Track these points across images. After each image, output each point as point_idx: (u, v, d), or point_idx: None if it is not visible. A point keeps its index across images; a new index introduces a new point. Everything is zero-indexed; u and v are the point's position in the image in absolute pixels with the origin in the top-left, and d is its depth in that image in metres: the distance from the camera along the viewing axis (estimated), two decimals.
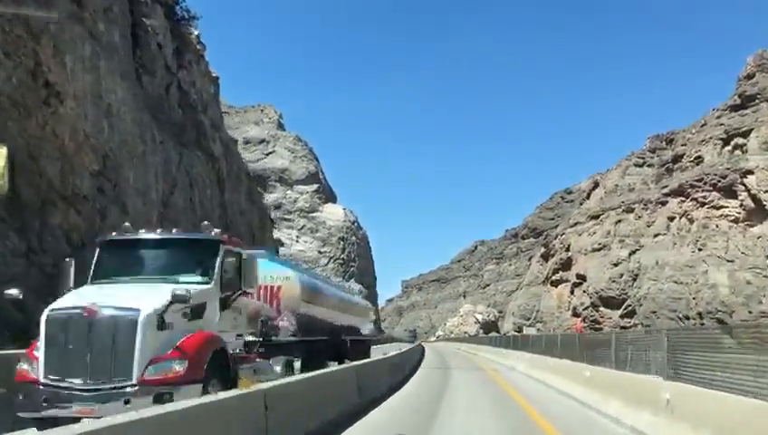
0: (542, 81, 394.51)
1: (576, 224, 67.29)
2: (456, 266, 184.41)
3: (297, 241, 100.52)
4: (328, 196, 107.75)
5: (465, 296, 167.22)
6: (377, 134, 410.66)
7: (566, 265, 66.23)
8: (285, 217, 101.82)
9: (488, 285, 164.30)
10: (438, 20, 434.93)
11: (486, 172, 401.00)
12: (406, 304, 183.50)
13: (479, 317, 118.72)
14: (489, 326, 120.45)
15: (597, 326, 58.18)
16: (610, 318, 57.46)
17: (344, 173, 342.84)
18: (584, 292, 60.32)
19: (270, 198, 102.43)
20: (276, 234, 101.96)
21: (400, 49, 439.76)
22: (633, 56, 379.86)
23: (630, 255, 57.72)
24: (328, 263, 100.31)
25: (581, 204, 74.23)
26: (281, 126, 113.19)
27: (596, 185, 71.97)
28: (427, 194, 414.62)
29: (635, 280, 56.67)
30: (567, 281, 65.76)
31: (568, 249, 65.58)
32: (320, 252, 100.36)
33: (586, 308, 59.31)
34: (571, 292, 62.78)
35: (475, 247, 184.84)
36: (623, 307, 56.93)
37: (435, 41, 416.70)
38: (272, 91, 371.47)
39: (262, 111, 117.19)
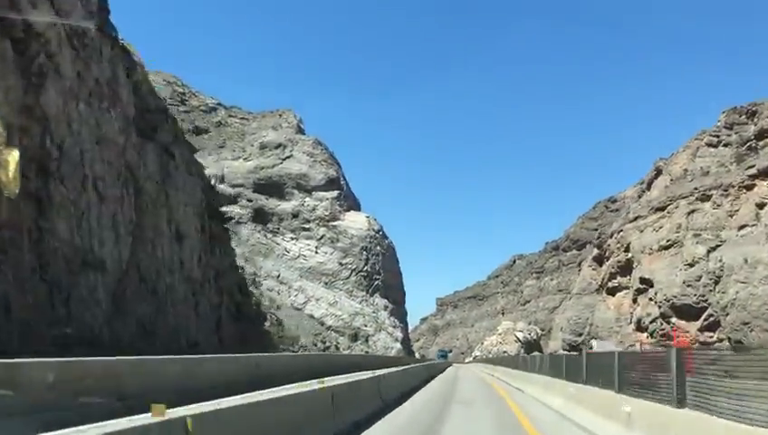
0: (581, 79, 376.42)
1: (636, 218, 54.45)
2: (493, 283, 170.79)
3: (317, 252, 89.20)
4: (350, 203, 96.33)
5: (503, 314, 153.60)
6: (409, 146, 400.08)
7: (625, 268, 53.66)
8: (303, 226, 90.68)
9: (528, 302, 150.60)
10: (472, 20, 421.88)
11: (524, 183, 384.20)
12: (441, 322, 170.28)
13: (520, 335, 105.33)
14: (531, 345, 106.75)
15: (668, 344, 45.32)
16: (687, 332, 44.47)
17: (374, 189, 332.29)
18: (651, 300, 47.58)
19: (287, 206, 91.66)
20: (294, 245, 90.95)
21: (430, 53, 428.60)
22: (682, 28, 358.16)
23: (709, 252, 44.75)
24: (350, 276, 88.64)
25: (639, 196, 61.20)
26: (300, 130, 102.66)
27: (659, 172, 58.83)
28: (462, 207, 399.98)
29: (717, 283, 43.61)
30: (627, 288, 53.12)
31: (627, 249, 52.95)
32: (341, 264, 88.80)
33: (654, 320, 46.54)
34: (634, 300, 50.12)
35: (514, 262, 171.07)
36: (703, 318, 43.97)
37: (466, 43, 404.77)
38: (294, 96, 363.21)
39: (280, 115, 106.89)
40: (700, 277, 44.26)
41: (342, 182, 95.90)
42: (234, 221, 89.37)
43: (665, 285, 46.16)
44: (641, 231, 51.68)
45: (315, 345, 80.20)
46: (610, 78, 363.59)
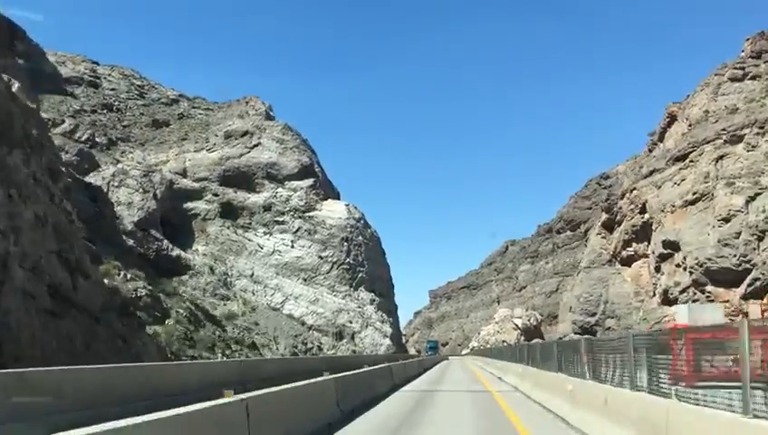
0: (563, 55, 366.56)
1: (652, 173, 45.37)
2: (486, 271, 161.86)
3: (293, 246, 79.74)
4: (327, 191, 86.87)
5: (498, 302, 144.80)
6: (394, 136, 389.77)
7: (642, 232, 44.77)
8: (277, 219, 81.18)
9: (524, 287, 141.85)
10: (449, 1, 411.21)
11: (513, 167, 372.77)
12: (435, 315, 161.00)
13: (518, 322, 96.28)
14: (531, 332, 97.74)
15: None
16: (726, 301, 35.58)
17: (360, 183, 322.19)
18: (679, 266, 38.64)
19: (257, 198, 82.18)
20: (268, 240, 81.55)
21: (411, 35, 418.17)
22: None
23: (748, 202, 35.88)
24: (331, 269, 79.22)
25: (650, 151, 52.00)
26: (269, 117, 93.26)
27: (672, 119, 49.32)
28: (450, 197, 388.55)
29: (761, 239, 34.76)
30: (645, 255, 44.33)
31: (643, 210, 44.08)
32: (320, 257, 79.36)
33: (685, 290, 37.67)
34: (657, 269, 41.17)
35: (506, 248, 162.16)
36: (747, 283, 35.12)
37: (447, 19, 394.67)
38: (263, 85, 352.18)
39: (247, 102, 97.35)
40: (739, 234, 35.36)
41: (317, 169, 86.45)
42: (200, 218, 79.94)
43: (695, 246, 37.20)
44: (659, 187, 42.69)
45: (296, 347, 70.98)
46: (596, 59, 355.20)
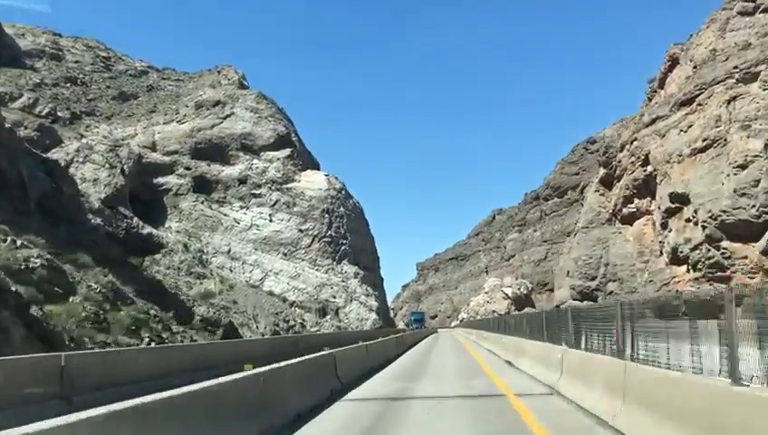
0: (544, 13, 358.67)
1: (654, 121, 40.68)
2: (473, 241, 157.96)
3: (271, 220, 75.02)
4: (306, 162, 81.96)
5: (487, 272, 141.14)
6: (375, 111, 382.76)
7: (645, 187, 40.42)
8: (254, 192, 76.29)
9: (512, 256, 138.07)
10: None
11: (499, 136, 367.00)
12: (423, 287, 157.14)
13: (508, 292, 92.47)
14: (522, 301, 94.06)
15: (722, 276, 32.12)
16: (744, 257, 31.52)
17: (343, 156, 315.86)
18: (689, 221, 34.44)
19: (232, 171, 77.16)
20: (245, 214, 76.76)
21: (397, 10, 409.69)
22: None
23: (767, 146, 31.66)
24: (312, 243, 74.66)
25: (650, 99, 47.38)
26: (243, 87, 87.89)
27: (674, 62, 44.37)
28: (434, 169, 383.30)
29: None
30: (649, 212, 40.08)
31: (646, 162, 39.70)
32: (300, 230, 74.74)
33: (697, 247, 33.48)
34: (663, 225, 36.88)
35: (494, 217, 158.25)
36: (767, 237, 30.97)
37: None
38: (238, 56, 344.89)
39: (219, 72, 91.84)
40: (758, 181, 31.12)
41: (294, 139, 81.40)
42: (172, 193, 74.90)
43: (707, 198, 32.92)
44: (662, 136, 38.19)
45: (277, 326, 66.69)
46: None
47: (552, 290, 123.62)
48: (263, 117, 79.86)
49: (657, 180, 38.17)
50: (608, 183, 49.80)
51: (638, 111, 44.24)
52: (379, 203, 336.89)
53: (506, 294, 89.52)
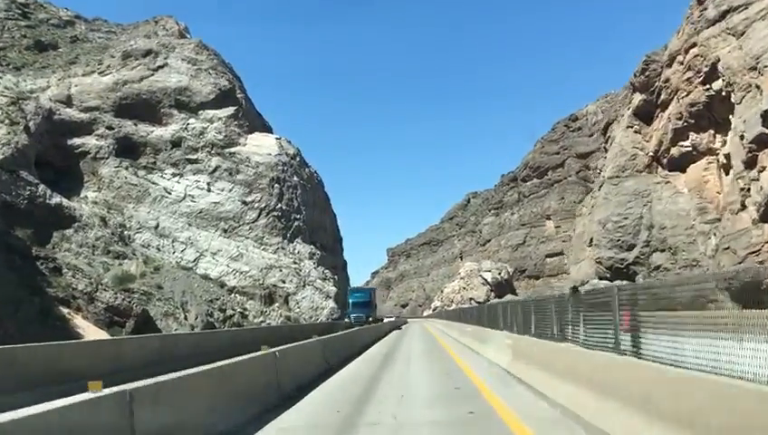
0: None
1: (726, 14, 27.67)
2: (447, 226, 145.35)
3: (209, 190, 61.31)
4: (254, 123, 68.13)
5: (462, 258, 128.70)
6: (346, 89, 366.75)
7: (708, 113, 27.84)
8: (189, 157, 62.43)
9: (489, 241, 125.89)
10: None
11: (471, 117, 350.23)
12: (394, 275, 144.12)
13: (487, 277, 79.93)
14: (503, 287, 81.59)
15: None
16: None
17: (312, 142, 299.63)
18: None
19: (164, 132, 63.16)
20: (178, 183, 62.93)
21: None
22: None
23: None
24: (258, 218, 61.10)
25: (701, 1, 34.14)
26: (182, 38, 73.65)
27: None
28: (405, 152, 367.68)
29: None
30: (712, 151, 27.64)
31: (711, 77, 27.23)
32: (244, 202, 61.12)
33: None
34: (748, 164, 24.34)
35: (468, 201, 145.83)
36: None
37: None
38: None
39: (157, 22, 77.41)
40: None
41: (240, 95, 67.49)
42: (90, 157, 60.74)
43: None
44: (742, 33, 25.42)
45: (211, 316, 53.35)
46: None
47: (534, 277, 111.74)
48: (202, 69, 65.90)
49: (735, 99, 25.42)
50: (646, 114, 36.18)
51: (688, 13, 31.00)
52: (348, 187, 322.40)
53: (485, 280, 77.00)
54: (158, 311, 50.31)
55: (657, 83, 34.10)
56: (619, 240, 32.58)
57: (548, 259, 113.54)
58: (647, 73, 35.77)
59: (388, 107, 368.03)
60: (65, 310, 38.95)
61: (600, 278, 33.38)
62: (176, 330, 49.43)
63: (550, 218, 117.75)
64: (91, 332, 36.29)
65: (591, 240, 37.19)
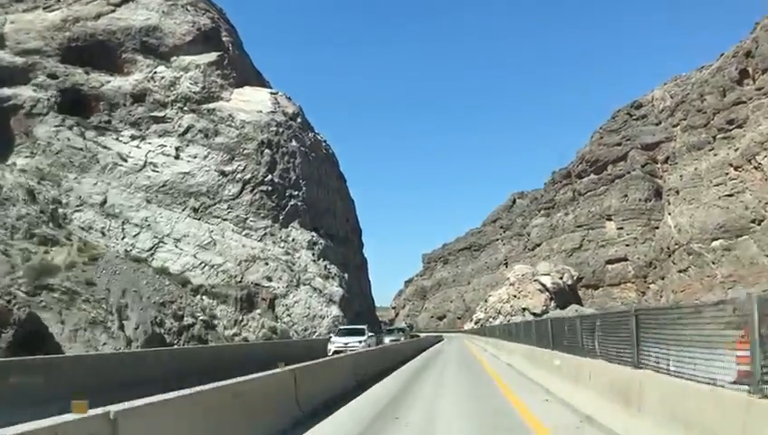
0: None
1: None
2: (489, 229, 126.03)
3: (177, 157, 44.33)
4: (243, 75, 50.94)
5: (507, 265, 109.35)
6: (385, 90, 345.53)
7: None
8: (154, 114, 45.64)
9: (538, 245, 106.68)
10: None
11: (516, 111, 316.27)
12: (430, 283, 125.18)
13: (546, 282, 60.80)
14: (566, 296, 62.28)
15: None
16: None
17: (347, 146, 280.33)
18: None
19: (123, 82, 46.62)
20: (137, 148, 46.15)
21: None
22: None
23: None
24: (240, 193, 43.70)
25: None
26: None
27: None
28: (444, 153, 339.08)
29: None
30: None
31: None
32: (222, 173, 43.82)
33: None
34: None
35: (514, 201, 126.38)
36: None
37: None
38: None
39: None
40: None
41: (227, 39, 50.47)
42: (23, 113, 44.48)
43: None
44: None
45: (161, 325, 36.36)
46: None
47: (593, 286, 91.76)
48: (178, 5, 49.22)
49: None
50: None
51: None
52: (382, 190, 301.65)
53: (543, 286, 57.86)
54: (81, 317, 32.83)
55: None
56: None
57: (609, 266, 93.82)
58: None
59: (423, 101, 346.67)
60: None
61: None
62: (103, 345, 32.31)
63: (611, 219, 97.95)
64: None
65: None
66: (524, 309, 57.63)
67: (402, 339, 38.97)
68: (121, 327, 33.26)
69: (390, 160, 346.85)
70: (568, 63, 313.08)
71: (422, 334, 60.71)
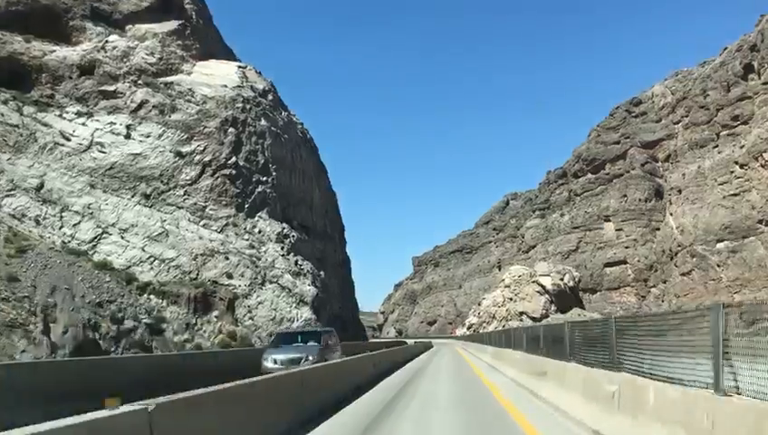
0: None
1: None
2: (482, 231, 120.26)
3: (129, 136, 38.28)
4: (208, 47, 44.96)
5: (500, 268, 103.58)
6: (372, 88, 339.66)
7: None
8: (103, 88, 39.67)
9: (533, 247, 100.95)
10: None
11: (507, 111, 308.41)
12: (420, 286, 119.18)
13: (546, 283, 54.92)
14: (566, 298, 56.38)
15: None
16: None
17: (337, 155, 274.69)
18: None
19: (69, 52, 40.61)
20: (83, 126, 40.03)
21: None
22: None
23: None
24: (200, 177, 37.69)
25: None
26: None
27: None
28: (434, 154, 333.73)
29: None
30: None
31: None
32: (179, 154, 37.87)
33: None
34: None
35: (507, 202, 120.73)
36: None
37: None
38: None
39: None
40: None
41: (190, 6, 44.48)
42: None
43: None
44: None
45: (97, 329, 30.01)
46: None
47: (591, 290, 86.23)
48: None
49: None
50: None
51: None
52: (372, 192, 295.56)
53: (543, 288, 51.93)
54: None
55: None
56: None
57: (607, 269, 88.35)
58: None
59: (419, 107, 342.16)
60: None
61: None
62: (21, 353, 26.66)
63: (609, 220, 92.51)
64: None
65: None
66: (522, 313, 51.67)
67: (311, 358, 16.05)
68: (46, 331, 27.21)
69: (380, 162, 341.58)
70: (563, 59, 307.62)
71: (410, 341, 54.21)
